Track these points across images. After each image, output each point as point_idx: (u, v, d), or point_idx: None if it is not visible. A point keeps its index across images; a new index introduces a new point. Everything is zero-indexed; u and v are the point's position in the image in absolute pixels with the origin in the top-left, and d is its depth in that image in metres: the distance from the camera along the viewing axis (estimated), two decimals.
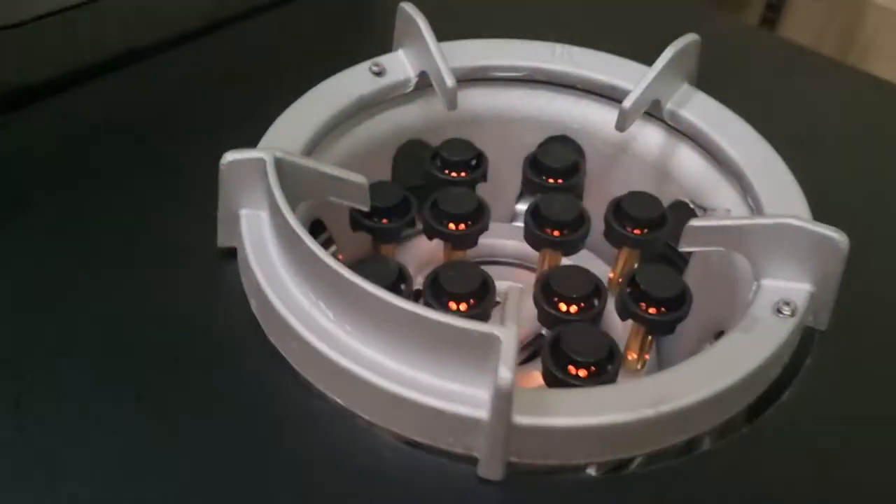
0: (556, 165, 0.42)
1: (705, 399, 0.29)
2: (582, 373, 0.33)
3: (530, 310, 0.37)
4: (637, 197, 0.40)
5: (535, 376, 0.36)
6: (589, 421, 0.28)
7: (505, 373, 0.26)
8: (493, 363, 0.26)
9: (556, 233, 0.40)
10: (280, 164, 0.32)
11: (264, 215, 0.33)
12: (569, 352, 0.32)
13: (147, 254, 0.36)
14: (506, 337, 0.26)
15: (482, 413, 0.27)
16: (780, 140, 0.40)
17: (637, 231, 0.40)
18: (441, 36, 0.41)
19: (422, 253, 0.43)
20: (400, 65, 0.42)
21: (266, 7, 0.51)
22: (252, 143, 0.35)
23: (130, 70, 0.45)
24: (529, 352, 0.41)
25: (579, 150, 0.45)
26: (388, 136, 0.43)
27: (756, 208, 0.37)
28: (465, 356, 0.27)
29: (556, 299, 0.36)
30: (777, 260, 0.33)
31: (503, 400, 0.26)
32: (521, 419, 0.27)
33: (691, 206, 0.42)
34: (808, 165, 0.39)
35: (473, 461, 0.28)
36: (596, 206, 0.42)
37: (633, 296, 0.36)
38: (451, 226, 0.39)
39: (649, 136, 0.43)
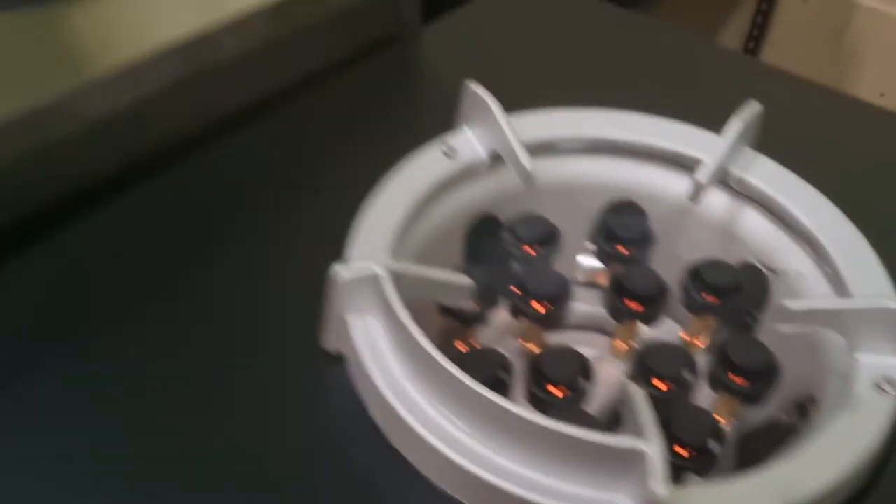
0: (628, 235, 0.43)
1: (833, 485, 0.30)
2: (687, 453, 0.34)
3: (612, 376, 0.39)
4: (713, 264, 0.42)
5: None
6: None
7: (658, 488, 0.27)
8: (637, 474, 0.28)
9: (638, 305, 0.41)
10: (392, 275, 0.33)
11: (374, 322, 0.34)
12: (678, 433, 0.34)
13: (249, 352, 0.36)
14: (653, 451, 0.27)
15: None
16: (843, 198, 0.42)
17: (713, 298, 0.41)
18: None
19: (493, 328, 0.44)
20: (469, 144, 0.43)
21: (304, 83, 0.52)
22: (332, 232, 0.36)
23: (196, 159, 0.46)
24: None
25: (643, 214, 0.46)
26: (458, 213, 0.44)
27: (834, 276, 0.39)
28: (607, 468, 0.29)
29: (653, 379, 0.37)
30: (873, 337, 0.34)
31: None
32: None
33: (761, 267, 0.43)
34: (871, 224, 0.40)
35: None
36: (660, 267, 0.43)
37: (723, 367, 0.37)
38: (536, 305, 0.40)
39: (714, 200, 0.44)
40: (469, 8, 0.57)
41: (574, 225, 0.46)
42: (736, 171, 0.43)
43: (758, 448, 0.38)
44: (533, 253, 0.43)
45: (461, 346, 0.42)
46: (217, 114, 0.47)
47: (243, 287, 0.39)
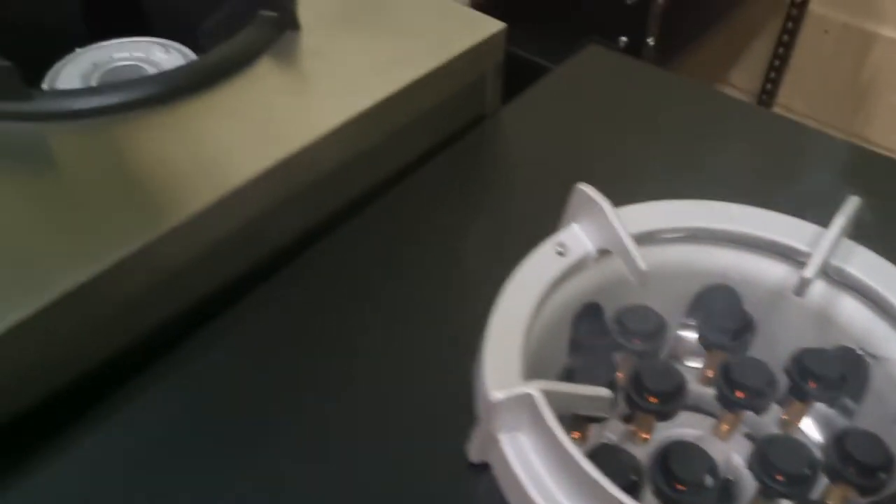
0: (732, 324, 0.45)
1: None
2: None
3: (717, 453, 0.40)
4: (817, 353, 0.43)
5: None
6: None
7: None
8: None
9: (749, 396, 0.43)
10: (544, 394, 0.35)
11: (525, 438, 0.36)
12: None
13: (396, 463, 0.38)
14: None
15: None
16: None
17: (815, 385, 0.43)
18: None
19: None
20: (579, 241, 0.45)
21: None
22: (453, 327, 0.38)
23: (303, 261, 0.48)
24: None
25: (740, 300, 0.48)
26: (566, 305, 0.46)
27: None
28: None
29: (778, 476, 0.39)
30: None
31: None
32: None
33: (860, 353, 0.45)
34: None
35: None
36: (756, 350, 0.45)
37: (842, 461, 0.39)
38: (652, 399, 0.42)
39: (812, 289, 0.46)
40: (542, 84, 0.59)
41: (671, 307, 0.48)
42: (836, 262, 0.45)
43: None
44: (643, 345, 0.45)
45: (577, 437, 0.44)
46: (316, 217, 0.49)
47: (373, 387, 0.41)
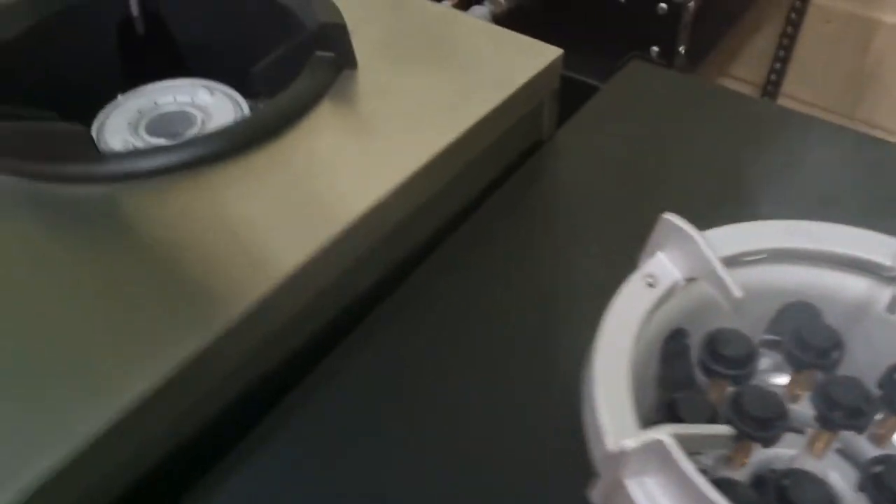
0: (822, 343, 0.45)
1: None
2: None
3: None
4: None
5: None
6: None
7: None
8: None
9: (848, 416, 0.43)
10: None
11: (653, 482, 0.35)
12: None
13: None
14: None
15: None
16: None
17: None
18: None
19: None
20: (667, 271, 0.45)
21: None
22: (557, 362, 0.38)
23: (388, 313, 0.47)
24: None
25: (819, 315, 0.48)
26: (656, 334, 0.46)
27: None
28: None
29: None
30: None
31: None
32: None
33: None
34: None
35: None
36: (842, 367, 0.45)
37: None
38: (756, 425, 0.42)
39: (890, 296, 0.46)
40: (593, 104, 0.59)
41: (751, 327, 0.48)
42: None
43: None
44: (736, 370, 0.44)
45: None
46: (389, 267, 0.48)
47: (470, 440, 0.41)
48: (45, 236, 0.43)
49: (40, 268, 0.41)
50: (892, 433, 0.47)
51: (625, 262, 0.49)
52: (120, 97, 0.60)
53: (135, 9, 0.60)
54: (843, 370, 0.45)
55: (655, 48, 0.76)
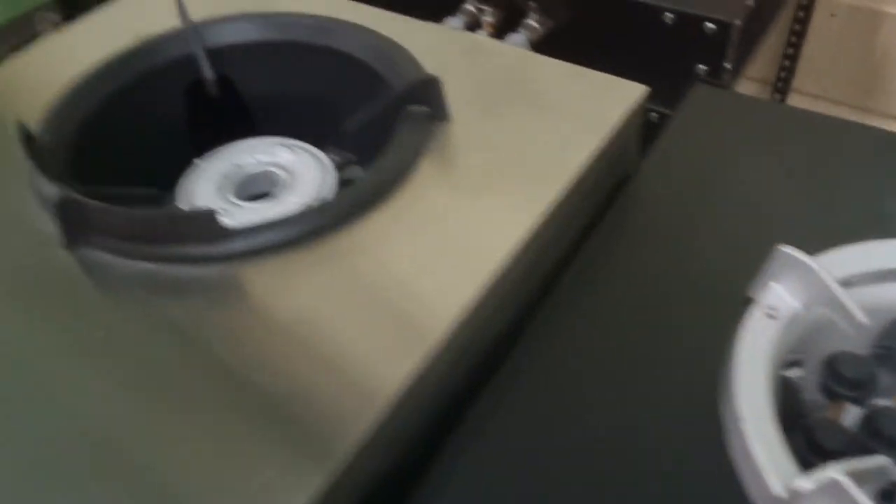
0: None
1: None
2: None
3: None
4: None
5: None
6: None
7: None
8: None
9: None
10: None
11: None
12: None
13: None
14: None
15: None
16: None
17: None
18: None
19: None
20: (785, 302, 0.46)
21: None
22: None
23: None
24: None
25: None
26: (776, 364, 0.47)
27: None
28: None
29: None
30: None
31: None
32: None
33: None
34: None
35: None
36: None
37: None
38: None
39: None
40: (670, 134, 0.59)
41: (860, 345, 0.49)
42: None
43: None
44: (857, 393, 0.45)
45: None
46: (513, 312, 0.49)
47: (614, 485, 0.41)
48: (187, 319, 0.43)
49: (182, 351, 0.42)
50: None
51: (729, 290, 0.50)
52: (197, 161, 0.60)
53: (208, 72, 0.60)
54: None
55: (703, 66, 0.77)
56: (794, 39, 1.29)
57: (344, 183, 0.59)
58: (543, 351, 0.47)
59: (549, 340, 0.48)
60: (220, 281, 0.45)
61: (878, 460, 0.38)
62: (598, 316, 0.49)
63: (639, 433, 0.43)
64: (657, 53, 0.80)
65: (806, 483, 0.36)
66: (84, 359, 0.43)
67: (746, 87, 1.41)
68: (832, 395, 0.47)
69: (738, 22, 0.75)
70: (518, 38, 0.88)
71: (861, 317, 0.44)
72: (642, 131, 0.58)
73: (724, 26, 0.75)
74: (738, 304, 0.48)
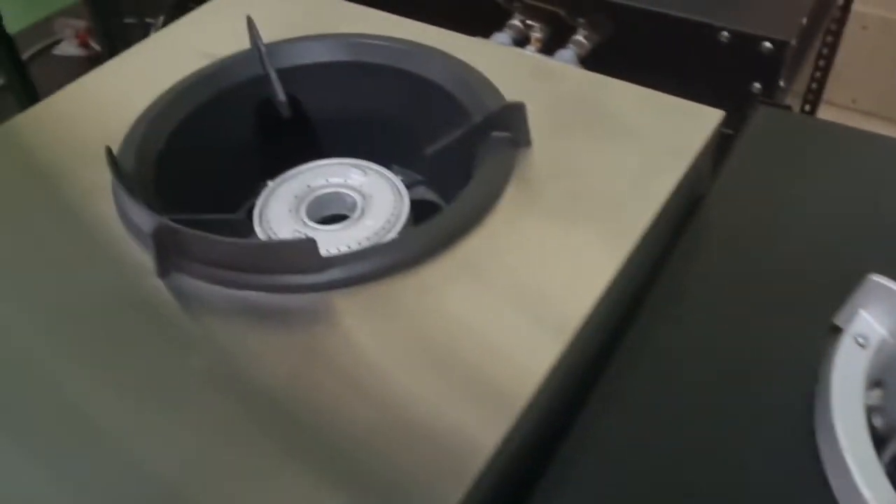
0: None
1: None
2: None
3: None
4: None
5: None
6: None
7: None
8: None
9: None
10: None
11: None
12: None
13: None
14: None
15: None
16: None
17: None
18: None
19: None
20: (874, 329, 0.46)
21: None
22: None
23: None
24: None
25: None
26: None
27: None
28: None
29: None
30: None
31: None
32: None
33: None
34: None
35: None
36: None
37: None
38: None
39: None
40: (737, 158, 0.60)
41: None
42: None
43: None
44: None
45: None
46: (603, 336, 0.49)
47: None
48: (289, 349, 0.43)
49: (288, 382, 0.42)
50: None
51: (810, 310, 0.51)
52: (270, 183, 0.60)
53: (280, 93, 0.60)
54: None
55: (757, 84, 0.77)
56: (825, 51, 1.30)
57: (413, 204, 0.60)
58: (633, 373, 0.47)
59: (636, 364, 0.48)
60: (318, 310, 0.45)
61: None
62: (683, 338, 0.50)
63: (732, 459, 0.44)
64: (709, 71, 0.80)
65: None
66: (185, 393, 0.43)
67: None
68: None
69: (794, 42, 0.75)
70: (567, 54, 0.88)
71: None
72: (715, 154, 0.58)
73: (780, 45, 0.75)
74: (818, 325, 0.49)
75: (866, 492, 0.40)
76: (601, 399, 0.47)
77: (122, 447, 0.41)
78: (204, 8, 0.74)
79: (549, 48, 0.91)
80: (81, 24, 1.94)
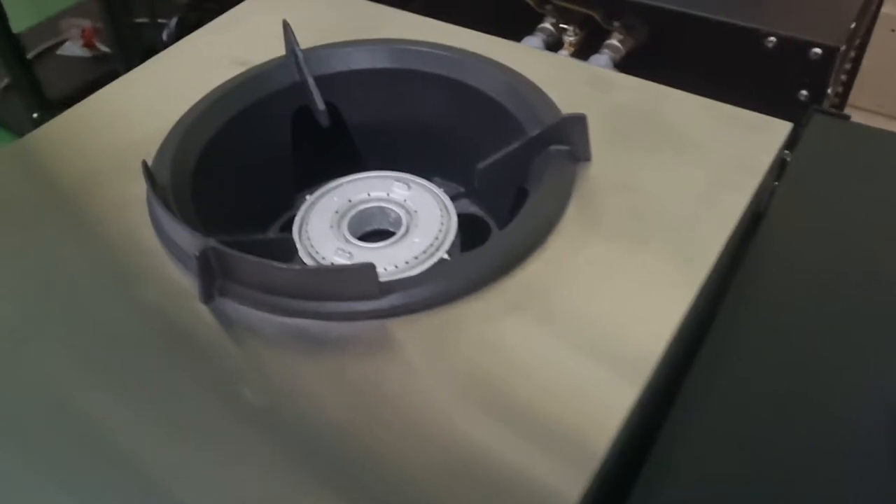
0: None
1: None
2: None
3: None
4: None
5: None
6: None
7: None
8: None
9: None
10: None
11: None
12: None
13: None
14: None
15: None
16: None
17: None
18: None
19: None
20: None
21: None
22: None
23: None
24: None
25: None
26: None
27: None
28: None
29: None
30: None
31: None
32: None
33: None
34: None
35: None
36: None
37: None
38: None
39: None
40: (795, 170, 0.57)
41: None
42: None
43: None
44: None
45: None
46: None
47: None
48: (355, 380, 0.41)
49: (352, 416, 0.39)
50: None
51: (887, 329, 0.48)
52: (308, 197, 0.57)
53: (320, 102, 0.57)
54: None
55: (805, 92, 0.74)
56: (852, 54, 1.27)
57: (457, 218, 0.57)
58: (709, 395, 0.45)
59: (713, 383, 0.45)
60: (376, 339, 0.42)
61: None
62: (755, 365, 0.47)
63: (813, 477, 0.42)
64: (753, 78, 0.77)
65: None
66: (233, 429, 0.40)
67: None
68: None
69: (843, 47, 0.72)
70: (602, 58, 0.85)
71: None
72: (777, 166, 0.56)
73: (830, 51, 0.72)
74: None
75: None
76: (673, 432, 0.44)
77: (164, 486, 0.38)
78: (232, 12, 0.70)
79: (582, 52, 0.88)
80: (87, 23, 1.91)
